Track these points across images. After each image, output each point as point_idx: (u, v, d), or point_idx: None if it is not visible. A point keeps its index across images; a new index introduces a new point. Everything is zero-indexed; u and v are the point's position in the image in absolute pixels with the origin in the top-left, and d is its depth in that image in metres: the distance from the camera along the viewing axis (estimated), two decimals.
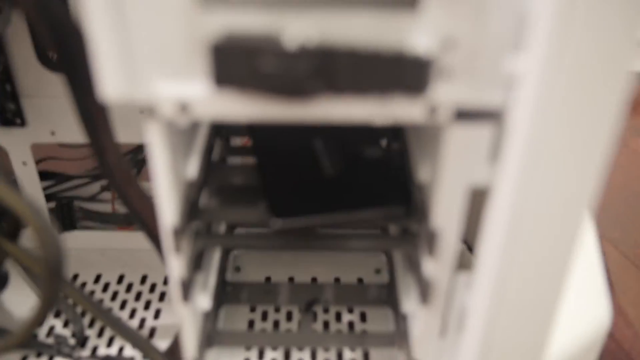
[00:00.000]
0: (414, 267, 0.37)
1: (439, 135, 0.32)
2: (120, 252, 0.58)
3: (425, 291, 0.36)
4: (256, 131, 0.43)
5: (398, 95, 0.28)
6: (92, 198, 0.58)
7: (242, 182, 0.40)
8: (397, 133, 0.45)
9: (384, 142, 0.42)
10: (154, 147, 0.31)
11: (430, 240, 0.34)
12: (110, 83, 0.28)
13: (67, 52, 0.32)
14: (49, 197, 0.57)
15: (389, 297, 0.47)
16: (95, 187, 0.58)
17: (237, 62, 0.26)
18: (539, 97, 0.27)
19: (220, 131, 0.45)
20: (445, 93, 0.28)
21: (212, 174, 0.40)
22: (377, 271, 0.56)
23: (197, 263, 0.38)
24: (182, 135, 0.35)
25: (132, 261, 0.57)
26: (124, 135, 0.39)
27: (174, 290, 0.36)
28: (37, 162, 0.54)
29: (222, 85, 0.27)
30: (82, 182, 0.57)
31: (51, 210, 0.57)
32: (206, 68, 0.28)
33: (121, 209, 0.59)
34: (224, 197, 0.41)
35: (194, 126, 0.39)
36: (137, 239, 0.58)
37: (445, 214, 0.33)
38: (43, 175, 0.55)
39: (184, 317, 0.38)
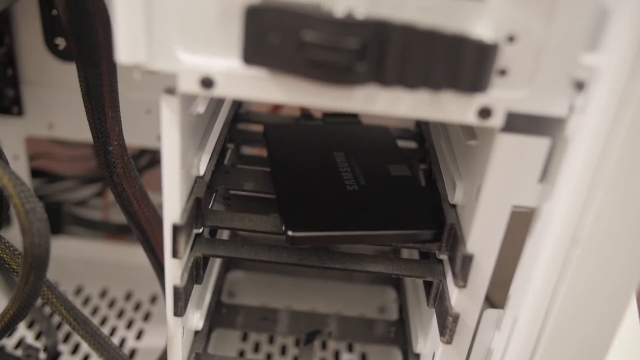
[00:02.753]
0: (439, 298, 0.33)
1: (487, 145, 0.28)
2: (105, 265, 0.53)
3: (450, 327, 0.31)
4: (272, 137, 0.39)
5: (452, 93, 0.24)
6: (83, 203, 0.54)
7: (254, 188, 0.36)
8: (424, 153, 0.41)
9: (410, 162, 0.39)
10: (167, 125, 0.27)
11: (464, 266, 0.30)
12: (127, 45, 0.24)
13: (79, 13, 0.29)
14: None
15: (397, 335, 0.43)
16: (87, 191, 0.54)
17: (273, 29, 0.23)
18: (615, 106, 0.24)
19: (233, 137, 0.41)
20: (502, 94, 0.25)
21: (222, 178, 0.36)
22: (381, 310, 0.52)
23: (195, 275, 0.34)
24: (195, 127, 0.32)
25: (118, 275, 0.53)
26: (126, 137, 0.35)
27: (168, 300, 0.32)
28: (29, 158, 0.50)
29: (253, 63, 0.24)
30: (74, 184, 0.53)
31: None
32: (237, 39, 0.24)
33: (112, 217, 0.54)
34: (233, 205, 0.37)
35: (208, 126, 0.36)
36: (125, 252, 0.54)
37: (484, 235, 0.29)
38: (34, 174, 0.51)
39: (173, 334, 0.33)
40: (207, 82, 0.25)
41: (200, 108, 0.31)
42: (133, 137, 0.41)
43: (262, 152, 0.48)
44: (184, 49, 0.25)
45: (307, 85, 0.25)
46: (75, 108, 0.42)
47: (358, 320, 0.44)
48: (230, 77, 0.25)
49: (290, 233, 0.31)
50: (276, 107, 0.48)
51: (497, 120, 0.26)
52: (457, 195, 0.32)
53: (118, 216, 0.55)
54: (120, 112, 0.33)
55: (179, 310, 0.32)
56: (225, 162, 0.40)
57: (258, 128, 0.42)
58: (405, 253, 0.47)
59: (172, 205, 0.29)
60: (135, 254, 0.52)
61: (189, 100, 0.29)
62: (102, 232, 0.54)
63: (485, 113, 0.26)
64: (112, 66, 0.31)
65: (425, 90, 0.24)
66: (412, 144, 0.44)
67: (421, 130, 0.42)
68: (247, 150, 0.48)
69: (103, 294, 0.52)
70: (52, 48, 0.44)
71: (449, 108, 0.25)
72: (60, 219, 0.53)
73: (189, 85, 0.25)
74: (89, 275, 0.53)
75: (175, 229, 0.30)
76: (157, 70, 0.25)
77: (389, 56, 0.23)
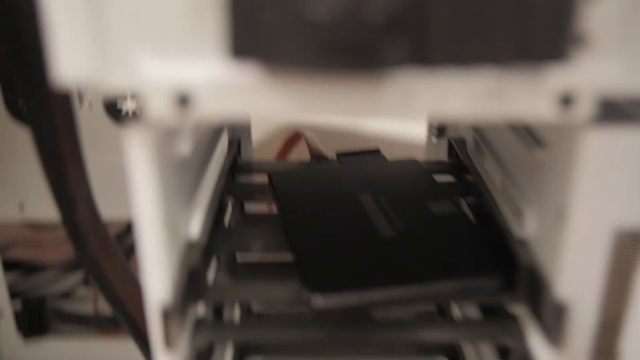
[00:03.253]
0: None
1: (565, 151, 0.21)
2: None
3: None
4: (280, 185, 0.32)
5: (517, 65, 0.17)
6: (69, 295, 0.46)
7: (265, 249, 0.29)
8: (465, 186, 0.34)
9: (454, 197, 0.31)
10: (139, 168, 0.20)
11: (557, 320, 0.22)
12: (69, 58, 0.18)
13: (20, 43, 0.23)
14: (14, 295, 0.45)
15: None
16: (73, 280, 0.46)
17: (270, 6, 0.16)
18: None
19: (233, 192, 0.34)
20: (588, 72, 0.18)
21: (223, 240, 0.29)
22: None
23: None
24: (180, 175, 0.25)
25: None
26: (106, 210, 0.29)
27: None
28: (1, 249, 0.43)
29: (245, 55, 0.17)
30: (57, 274, 0.46)
31: (17, 313, 0.45)
32: (219, 29, 0.18)
33: (105, 308, 0.46)
34: (241, 275, 0.29)
35: (197, 176, 0.29)
36: (122, 349, 0.46)
37: (580, 274, 0.21)
38: (8, 266, 0.44)
39: None
40: (185, 99, 0.19)
41: (185, 146, 0.24)
42: (116, 209, 0.34)
43: (271, 209, 0.41)
44: (148, 54, 0.18)
45: (318, 83, 0.18)
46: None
47: None
48: (215, 87, 0.18)
49: (315, 298, 0.23)
50: (283, 153, 0.42)
51: (583, 108, 0.19)
52: (528, 226, 0.25)
53: None
54: (86, 170, 0.27)
55: None
56: (226, 221, 0.32)
57: (263, 179, 0.35)
58: (455, 309, 0.38)
59: (156, 281, 0.22)
60: (135, 350, 0.43)
61: (164, 133, 0.22)
62: (93, 328, 0.46)
63: (566, 99, 0.19)
64: (67, 105, 0.25)
65: (484, 66, 0.17)
66: (448, 178, 0.36)
67: (458, 160, 0.35)
68: (253, 207, 0.40)
69: None
70: (16, 112, 0.37)
71: (516, 97, 0.18)
72: (44, 317, 0.45)
73: (161, 106, 0.19)
74: None
75: (165, 314, 0.22)
76: (115, 90, 0.18)
77: (432, 23, 0.16)
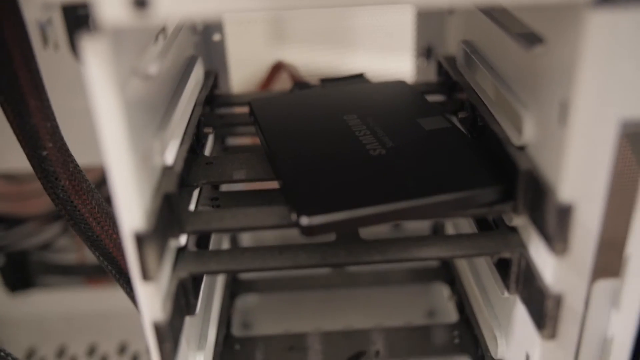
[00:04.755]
0: (524, 279, 0.24)
1: (566, 43, 0.19)
2: (90, 315, 0.44)
3: (552, 314, 0.22)
4: (262, 113, 0.30)
5: None
6: (52, 246, 0.45)
7: (248, 177, 0.27)
8: (457, 103, 0.32)
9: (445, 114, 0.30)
10: (99, 82, 0.18)
11: (561, 223, 0.21)
12: None
13: None
14: None
15: (463, 340, 0.33)
16: (54, 230, 0.45)
17: None
18: None
19: (212, 124, 0.32)
20: None
21: (203, 170, 0.27)
22: (430, 314, 0.42)
23: (185, 303, 0.25)
24: (148, 97, 0.23)
25: (107, 326, 0.44)
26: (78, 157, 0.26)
27: (150, 342, 0.23)
28: None
29: None
30: (37, 225, 0.44)
31: (1, 267, 0.44)
32: None
33: (90, 257, 0.45)
34: (224, 204, 0.28)
35: (170, 102, 0.27)
36: (111, 297, 0.45)
37: (584, 174, 0.20)
38: None
39: None
40: (139, 1, 0.17)
41: (152, 67, 0.22)
42: (89, 155, 0.30)
43: (255, 142, 0.39)
44: None
45: None
46: None
47: (409, 331, 0.35)
48: None
49: (304, 219, 0.22)
50: (265, 85, 0.40)
51: None
52: (527, 131, 0.23)
53: None
54: (49, 105, 0.24)
55: (167, 354, 0.22)
56: (207, 152, 0.31)
57: (243, 111, 0.34)
58: (450, 230, 0.37)
59: (129, 205, 0.20)
60: (122, 297, 0.42)
61: (126, 45, 0.20)
62: (80, 277, 0.45)
63: None
64: (21, 31, 0.22)
65: None
66: (439, 98, 0.34)
67: (448, 78, 0.33)
68: (235, 140, 0.38)
69: (91, 351, 0.43)
70: None
71: None
72: (28, 270, 0.44)
73: (116, 10, 0.17)
74: (72, 331, 0.44)
75: (140, 240, 0.20)
76: None
77: None
